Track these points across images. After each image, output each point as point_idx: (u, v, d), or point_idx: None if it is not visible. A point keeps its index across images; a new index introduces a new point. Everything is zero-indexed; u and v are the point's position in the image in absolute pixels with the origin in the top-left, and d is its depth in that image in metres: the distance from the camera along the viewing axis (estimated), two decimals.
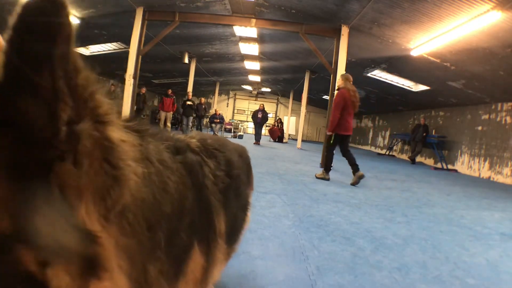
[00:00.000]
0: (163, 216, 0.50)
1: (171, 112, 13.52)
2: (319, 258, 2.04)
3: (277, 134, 17.21)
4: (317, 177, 5.50)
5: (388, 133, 16.64)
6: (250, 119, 20.26)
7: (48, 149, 0.32)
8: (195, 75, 14.81)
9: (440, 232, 2.99)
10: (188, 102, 13.18)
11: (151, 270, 0.45)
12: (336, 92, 5.56)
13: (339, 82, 5.56)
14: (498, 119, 9.12)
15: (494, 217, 3.93)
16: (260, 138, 13.93)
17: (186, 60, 12.73)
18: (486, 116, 9.60)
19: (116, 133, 0.40)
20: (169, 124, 13.46)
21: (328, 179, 5.41)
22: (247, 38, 11.22)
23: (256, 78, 19.41)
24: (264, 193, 3.81)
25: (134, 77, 7.97)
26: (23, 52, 0.31)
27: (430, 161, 12.19)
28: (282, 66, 14.49)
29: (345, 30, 7.33)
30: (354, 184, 5.14)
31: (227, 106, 25.19)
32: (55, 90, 0.32)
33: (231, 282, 1.63)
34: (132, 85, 7.94)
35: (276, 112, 25.52)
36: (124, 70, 8.19)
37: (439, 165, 10.88)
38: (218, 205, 0.76)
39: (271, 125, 19.10)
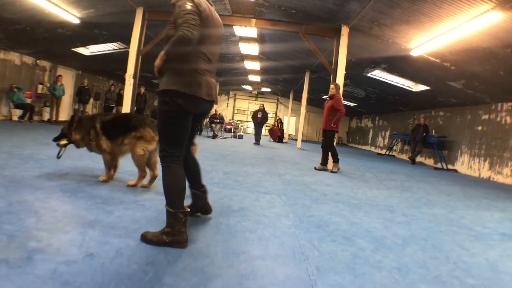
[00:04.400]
0: None
1: None
2: (319, 258, 2.04)
3: (277, 134, 17.21)
4: (335, 171, 6.53)
5: (388, 133, 16.64)
6: (250, 119, 20.25)
7: None
8: None
9: (440, 232, 2.99)
10: None
11: None
12: (335, 96, 6.59)
13: (334, 89, 6.66)
14: (498, 119, 9.12)
15: (494, 217, 3.93)
16: (260, 138, 13.93)
17: None
18: (486, 116, 9.60)
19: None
20: None
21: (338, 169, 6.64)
22: (247, 38, 11.21)
23: (256, 78, 19.41)
24: (264, 193, 3.81)
25: (134, 77, 7.97)
26: None
27: (430, 161, 12.19)
28: (282, 66, 14.48)
29: (345, 30, 7.32)
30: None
31: (227, 106, 25.19)
32: None
33: (231, 282, 1.63)
34: (132, 85, 7.94)
35: (276, 112, 25.51)
36: (124, 70, 8.19)
37: (439, 165, 10.88)
38: None
39: (271, 125, 19.11)
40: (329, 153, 6.71)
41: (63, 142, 3.50)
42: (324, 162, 6.75)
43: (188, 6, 2.02)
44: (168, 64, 2.07)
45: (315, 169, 6.70)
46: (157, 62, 2.08)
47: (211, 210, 2.64)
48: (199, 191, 2.55)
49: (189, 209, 2.16)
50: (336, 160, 6.61)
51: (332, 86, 6.72)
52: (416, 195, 4.84)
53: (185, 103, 2.06)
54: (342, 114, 6.47)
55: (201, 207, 2.59)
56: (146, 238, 2.02)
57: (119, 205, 2.68)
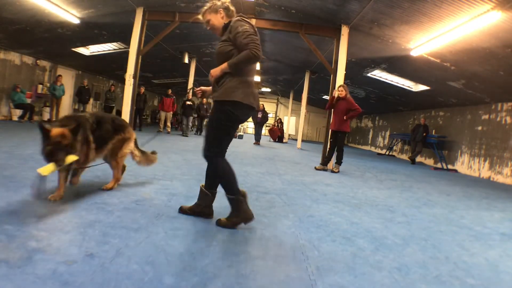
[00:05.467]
0: None
1: (171, 112, 13.53)
2: (319, 258, 2.04)
3: (277, 134, 17.21)
4: (336, 172, 6.51)
5: (388, 133, 16.64)
6: (250, 119, 20.27)
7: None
8: (195, 75, 14.82)
9: (440, 232, 2.99)
10: (188, 102, 13.18)
11: None
12: (348, 97, 6.55)
13: (344, 91, 6.57)
14: (498, 119, 9.13)
15: (494, 217, 3.93)
16: (260, 138, 13.93)
17: (186, 60, 12.73)
18: (486, 116, 9.60)
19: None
20: (169, 124, 13.47)
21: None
22: None
23: (256, 78, 19.41)
24: (264, 193, 3.81)
25: (134, 77, 7.97)
26: None
27: (430, 161, 12.19)
28: (282, 66, 14.49)
29: (345, 30, 7.32)
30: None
31: None
32: None
33: (231, 282, 1.63)
34: (132, 85, 7.94)
35: (276, 112, 25.51)
36: (124, 70, 8.19)
37: (439, 165, 10.88)
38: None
39: (271, 125, 19.11)
40: (335, 154, 6.69)
41: (73, 158, 2.39)
42: (326, 162, 6.76)
43: (247, 26, 2.31)
44: (227, 77, 2.33)
45: (316, 169, 6.70)
46: (216, 73, 2.36)
47: (212, 216, 2.64)
48: (211, 192, 2.59)
49: (245, 192, 2.48)
50: (340, 162, 6.60)
51: (341, 88, 6.62)
52: (416, 195, 4.84)
53: (241, 112, 2.36)
54: (360, 110, 6.46)
55: (205, 208, 2.60)
56: (222, 224, 2.42)
57: (119, 205, 2.68)
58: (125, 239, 1.99)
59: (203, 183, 2.63)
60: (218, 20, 2.54)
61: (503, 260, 2.39)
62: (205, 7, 2.57)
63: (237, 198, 2.38)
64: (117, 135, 3.14)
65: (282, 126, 18.71)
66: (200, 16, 2.60)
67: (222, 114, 2.35)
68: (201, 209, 2.57)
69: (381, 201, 4.08)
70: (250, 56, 2.22)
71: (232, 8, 2.57)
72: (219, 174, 2.42)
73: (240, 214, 2.40)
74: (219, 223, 2.44)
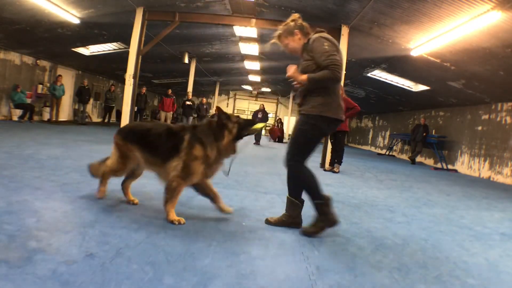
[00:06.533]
0: None
1: (171, 112, 13.53)
2: (319, 258, 2.04)
3: (277, 134, 17.21)
4: (336, 172, 6.44)
5: (388, 133, 16.64)
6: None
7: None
8: (195, 75, 14.82)
9: (440, 232, 2.99)
10: (188, 102, 13.18)
11: None
12: (343, 97, 6.37)
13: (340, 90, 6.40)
14: (498, 119, 9.12)
15: (494, 217, 3.93)
16: (260, 138, 13.93)
17: (186, 60, 12.73)
18: (486, 116, 9.60)
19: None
20: None
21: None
22: (247, 38, 11.21)
23: (256, 78, 19.41)
24: (264, 193, 3.81)
25: (134, 77, 7.97)
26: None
27: (430, 161, 12.19)
28: (282, 66, 14.44)
29: (345, 30, 7.33)
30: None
31: (227, 106, 25.19)
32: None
33: (231, 282, 1.63)
34: (132, 85, 7.94)
35: (276, 112, 25.51)
36: (124, 70, 8.19)
37: (439, 165, 10.88)
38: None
39: (271, 125, 19.10)
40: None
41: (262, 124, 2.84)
42: (332, 162, 6.73)
43: (326, 46, 2.33)
44: (316, 90, 2.37)
45: (325, 170, 6.66)
46: (297, 79, 2.39)
47: (301, 225, 2.56)
48: (299, 201, 2.55)
49: (328, 197, 2.46)
50: (340, 162, 6.58)
51: None
52: (416, 195, 4.84)
53: (327, 127, 2.43)
54: (359, 109, 6.43)
55: (295, 218, 2.56)
56: (308, 232, 2.41)
57: (119, 205, 2.68)
58: (125, 239, 1.99)
59: (288, 194, 2.58)
60: (296, 42, 2.54)
61: (503, 260, 2.39)
62: (279, 31, 2.57)
63: (322, 202, 2.41)
64: None
65: (282, 126, 18.72)
66: (276, 41, 2.62)
67: (310, 128, 2.39)
68: (292, 220, 2.55)
69: (381, 201, 4.08)
70: (331, 77, 2.27)
71: (305, 24, 2.55)
72: (301, 181, 2.45)
73: (326, 218, 2.40)
74: (305, 231, 2.42)
